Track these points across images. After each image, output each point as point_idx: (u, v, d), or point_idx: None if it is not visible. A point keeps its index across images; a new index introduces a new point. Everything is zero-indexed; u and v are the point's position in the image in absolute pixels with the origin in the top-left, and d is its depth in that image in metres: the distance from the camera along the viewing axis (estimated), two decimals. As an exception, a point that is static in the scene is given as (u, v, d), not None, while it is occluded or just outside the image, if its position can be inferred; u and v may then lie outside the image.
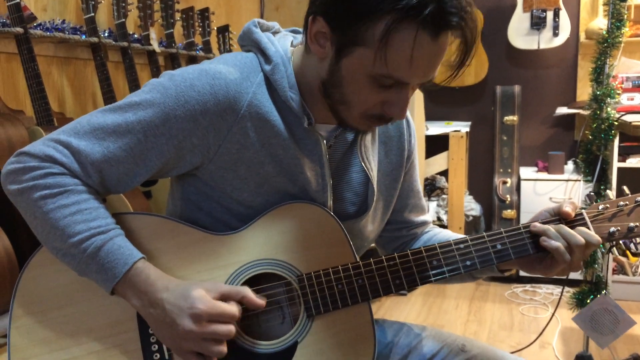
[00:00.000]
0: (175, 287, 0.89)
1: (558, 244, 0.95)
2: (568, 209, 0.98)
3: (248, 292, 0.91)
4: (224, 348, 0.88)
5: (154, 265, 0.92)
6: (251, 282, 0.96)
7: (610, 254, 1.00)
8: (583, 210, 1.00)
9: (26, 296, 0.93)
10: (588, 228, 0.98)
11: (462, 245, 0.99)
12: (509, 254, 0.98)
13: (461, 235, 1.13)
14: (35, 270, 0.94)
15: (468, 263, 0.98)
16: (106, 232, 0.90)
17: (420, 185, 1.22)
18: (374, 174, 1.06)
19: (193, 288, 0.88)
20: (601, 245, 2.17)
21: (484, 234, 1.00)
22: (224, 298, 0.89)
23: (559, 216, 0.99)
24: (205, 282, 0.91)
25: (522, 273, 3.37)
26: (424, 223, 1.22)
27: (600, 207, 1.00)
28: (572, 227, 0.97)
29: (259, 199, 0.98)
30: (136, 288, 0.89)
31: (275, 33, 1.04)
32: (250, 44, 1.00)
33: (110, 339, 0.92)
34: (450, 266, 0.98)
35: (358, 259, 0.98)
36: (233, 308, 0.88)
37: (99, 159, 0.90)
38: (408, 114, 1.15)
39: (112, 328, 0.93)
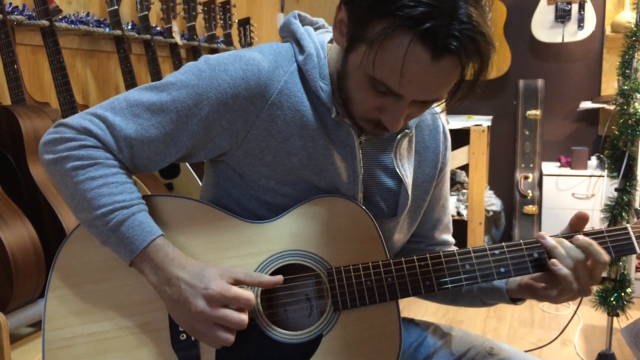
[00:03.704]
0: (191, 267, 0.89)
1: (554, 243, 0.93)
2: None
3: (263, 276, 0.91)
4: (231, 337, 0.87)
5: (182, 246, 0.93)
6: (280, 272, 0.96)
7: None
8: (628, 225, 0.96)
9: (64, 268, 0.95)
10: (632, 242, 0.94)
11: (497, 251, 0.96)
12: (547, 264, 0.94)
13: None
14: (75, 243, 0.96)
15: (502, 270, 0.95)
16: (129, 207, 0.91)
17: (449, 202, 1.16)
18: (409, 182, 1.03)
19: (208, 269, 0.89)
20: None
21: (521, 240, 0.96)
22: (238, 284, 0.89)
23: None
24: (221, 267, 0.90)
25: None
26: (445, 243, 1.17)
27: None
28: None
29: (286, 188, 0.98)
30: (153, 264, 0.90)
31: (318, 28, 1.03)
32: (288, 34, 1.01)
33: (140, 316, 0.93)
34: (483, 271, 0.95)
35: (389, 257, 0.97)
36: (248, 293, 0.87)
37: (131, 134, 0.92)
38: (445, 125, 1.12)
39: (143, 305, 0.94)
